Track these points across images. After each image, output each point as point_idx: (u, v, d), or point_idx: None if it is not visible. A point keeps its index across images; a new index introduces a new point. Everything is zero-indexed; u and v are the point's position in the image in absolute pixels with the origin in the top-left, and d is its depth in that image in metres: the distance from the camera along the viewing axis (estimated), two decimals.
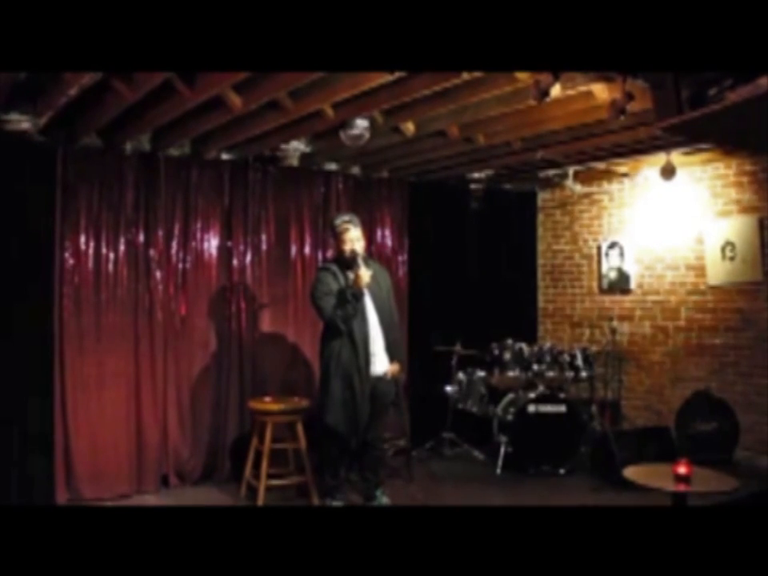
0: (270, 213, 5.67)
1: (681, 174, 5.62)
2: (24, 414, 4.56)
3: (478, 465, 5.79)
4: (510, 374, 5.82)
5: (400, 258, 6.40)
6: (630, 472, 3.57)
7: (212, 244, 5.41)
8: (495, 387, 5.98)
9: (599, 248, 6.81)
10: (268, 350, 5.60)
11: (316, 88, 3.75)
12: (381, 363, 4.49)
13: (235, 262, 5.49)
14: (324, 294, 4.37)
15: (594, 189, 6.87)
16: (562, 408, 5.55)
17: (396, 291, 5.35)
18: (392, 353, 4.57)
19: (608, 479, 4.98)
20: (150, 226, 5.10)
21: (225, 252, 5.47)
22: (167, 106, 3.98)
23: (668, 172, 5.45)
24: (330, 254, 5.68)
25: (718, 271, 5.82)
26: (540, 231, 7.43)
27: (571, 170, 6.11)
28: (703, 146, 5.23)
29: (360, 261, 4.36)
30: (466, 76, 3.42)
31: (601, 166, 5.97)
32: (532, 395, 5.57)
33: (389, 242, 6.33)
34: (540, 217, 7.44)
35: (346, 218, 4.54)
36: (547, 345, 6.12)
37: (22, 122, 4.06)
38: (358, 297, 4.34)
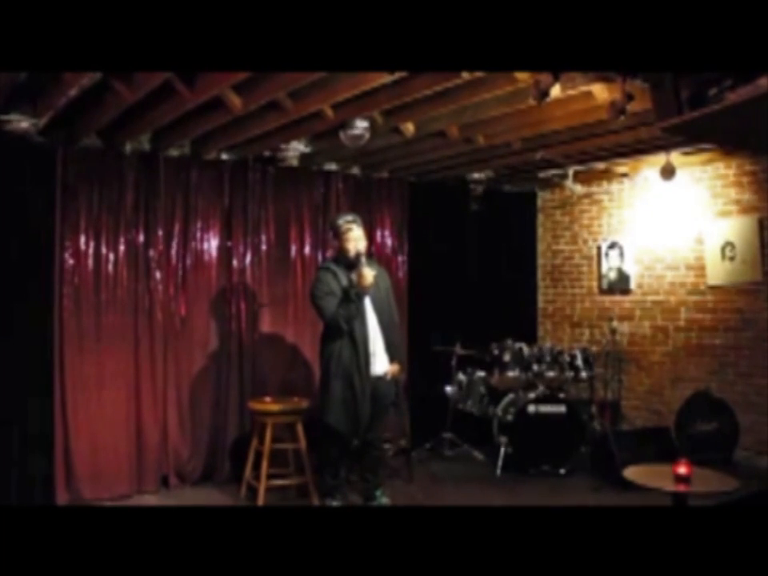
0: (269, 213, 5.67)
1: (681, 174, 5.61)
2: (24, 415, 4.56)
3: (477, 465, 5.79)
4: (510, 374, 5.82)
5: (400, 259, 6.40)
6: (630, 472, 3.57)
7: (212, 244, 5.41)
8: (495, 387, 5.98)
9: (599, 248, 6.81)
10: (268, 350, 5.60)
11: (316, 88, 3.74)
12: (381, 363, 4.49)
13: (235, 262, 5.49)
14: (324, 294, 4.36)
15: (593, 189, 6.87)
16: (562, 408, 5.55)
17: (396, 291, 5.34)
18: (392, 353, 4.56)
19: (608, 479, 4.98)
20: (150, 226, 5.11)
21: (225, 252, 5.47)
22: (167, 106, 3.98)
23: (668, 172, 5.45)
24: (329, 254, 5.68)
25: (717, 271, 5.83)
26: (540, 231, 7.43)
27: (571, 171, 6.11)
28: (703, 146, 5.23)
29: (363, 260, 4.38)
30: (466, 76, 3.42)
31: (601, 166, 5.97)
32: (532, 395, 5.57)
33: (389, 242, 6.33)
34: (540, 217, 7.44)
35: (350, 217, 4.54)
36: (547, 345, 6.12)
37: (21, 122, 4.06)
38: (362, 296, 4.34)
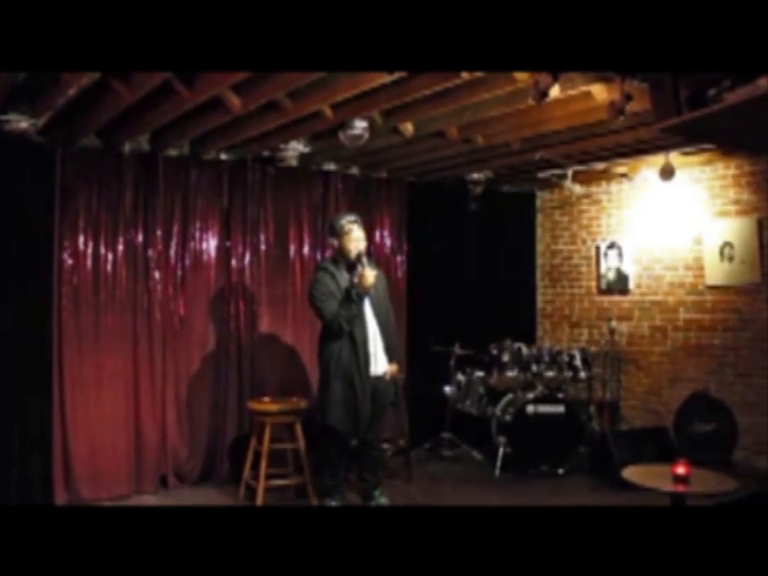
0: (268, 213, 5.67)
1: (680, 174, 5.62)
2: (23, 415, 4.56)
3: (476, 465, 5.79)
4: (509, 374, 5.82)
5: (399, 259, 6.40)
6: (629, 472, 3.56)
7: (211, 244, 5.41)
8: (494, 388, 5.99)
9: (598, 248, 6.81)
10: (267, 350, 5.60)
11: (315, 88, 3.75)
12: (380, 364, 4.49)
13: (234, 262, 5.49)
14: (324, 295, 4.35)
15: (593, 189, 6.87)
16: (561, 408, 5.55)
17: (395, 292, 5.35)
18: (390, 353, 4.57)
19: (607, 479, 4.98)
20: (149, 226, 5.10)
21: (223, 252, 5.46)
22: (166, 106, 3.98)
23: (667, 173, 5.45)
24: (328, 254, 5.68)
25: (716, 272, 5.83)
26: (539, 232, 7.44)
27: (570, 171, 6.12)
28: (703, 146, 5.23)
29: (365, 261, 4.38)
30: (465, 76, 3.42)
31: (600, 166, 5.98)
32: (531, 396, 5.57)
33: (387, 242, 6.33)
34: (539, 217, 7.45)
35: (351, 218, 4.53)
36: (546, 345, 6.13)
37: (20, 122, 4.06)
38: (362, 297, 4.35)
